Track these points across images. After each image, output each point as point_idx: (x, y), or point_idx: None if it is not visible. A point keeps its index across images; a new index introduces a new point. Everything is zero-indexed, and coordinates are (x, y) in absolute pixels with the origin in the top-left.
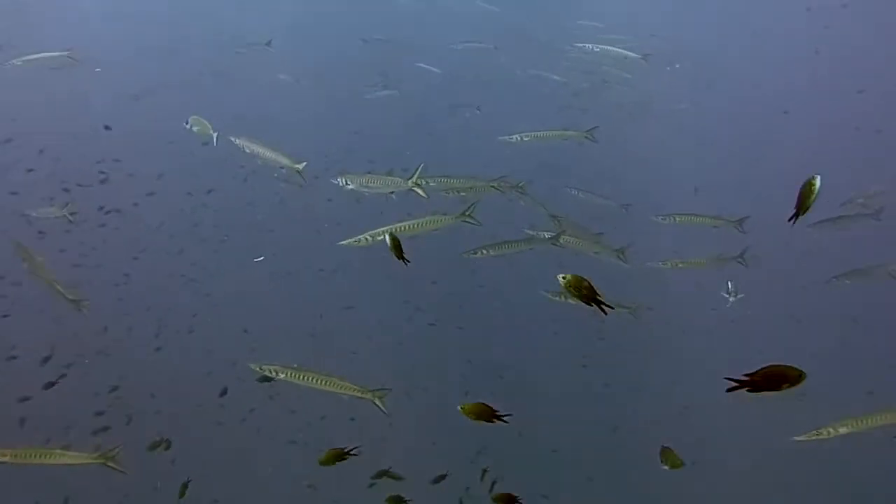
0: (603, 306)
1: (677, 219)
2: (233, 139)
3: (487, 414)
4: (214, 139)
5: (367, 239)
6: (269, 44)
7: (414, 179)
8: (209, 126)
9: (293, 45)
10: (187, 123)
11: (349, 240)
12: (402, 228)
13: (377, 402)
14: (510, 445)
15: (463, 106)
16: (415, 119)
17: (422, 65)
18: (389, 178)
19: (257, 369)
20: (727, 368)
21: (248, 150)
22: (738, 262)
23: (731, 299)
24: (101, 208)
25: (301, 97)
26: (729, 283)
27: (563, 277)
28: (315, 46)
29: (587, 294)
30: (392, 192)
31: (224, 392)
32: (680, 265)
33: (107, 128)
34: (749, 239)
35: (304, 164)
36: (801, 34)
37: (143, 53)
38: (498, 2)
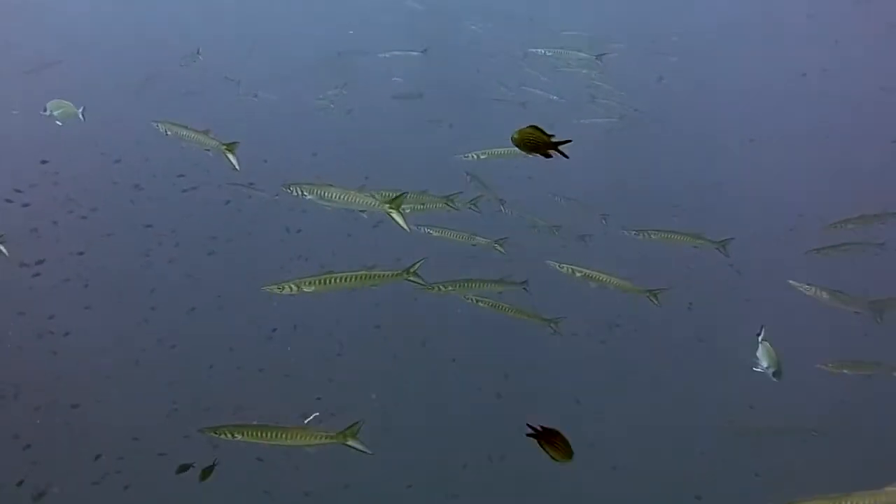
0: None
1: (653, 235)
2: (155, 124)
3: (543, 142)
4: (81, 114)
5: (292, 287)
6: (198, 52)
7: (392, 202)
8: (71, 106)
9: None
10: (45, 110)
11: (272, 285)
12: (334, 281)
13: (351, 442)
14: None
15: (436, 121)
16: (391, 135)
17: (397, 79)
18: (358, 193)
19: (211, 433)
20: None
21: (170, 134)
22: (718, 250)
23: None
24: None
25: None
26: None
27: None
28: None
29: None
30: (363, 211)
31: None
32: (653, 237)
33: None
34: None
35: (237, 142)
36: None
37: (87, 64)
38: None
